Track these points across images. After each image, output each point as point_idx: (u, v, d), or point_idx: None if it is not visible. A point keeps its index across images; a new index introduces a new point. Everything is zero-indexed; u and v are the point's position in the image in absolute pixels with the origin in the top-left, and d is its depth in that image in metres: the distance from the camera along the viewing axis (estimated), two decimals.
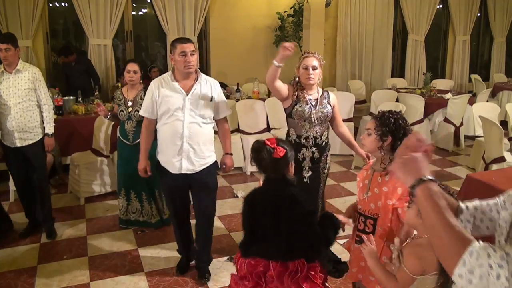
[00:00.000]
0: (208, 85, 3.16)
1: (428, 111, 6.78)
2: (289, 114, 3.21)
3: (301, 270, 2.14)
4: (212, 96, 3.15)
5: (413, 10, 8.70)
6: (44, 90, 3.80)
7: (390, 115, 2.17)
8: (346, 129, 3.40)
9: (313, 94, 3.19)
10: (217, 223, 4.19)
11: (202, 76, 3.19)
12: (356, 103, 7.01)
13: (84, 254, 3.71)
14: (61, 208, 4.62)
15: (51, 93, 5.61)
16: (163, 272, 3.44)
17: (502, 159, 4.73)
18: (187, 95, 3.07)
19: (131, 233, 4.08)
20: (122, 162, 4.07)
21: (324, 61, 3.25)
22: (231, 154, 3.34)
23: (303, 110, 3.13)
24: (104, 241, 3.94)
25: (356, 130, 6.73)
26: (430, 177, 1.15)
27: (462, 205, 1.47)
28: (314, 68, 3.10)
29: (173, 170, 3.15)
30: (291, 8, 7.55)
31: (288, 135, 3.26)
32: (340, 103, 6.48)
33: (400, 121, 2.16)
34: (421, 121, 6.68)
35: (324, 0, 6.89)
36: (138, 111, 3.83)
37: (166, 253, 3.73)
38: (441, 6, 9.25)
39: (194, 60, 3.06)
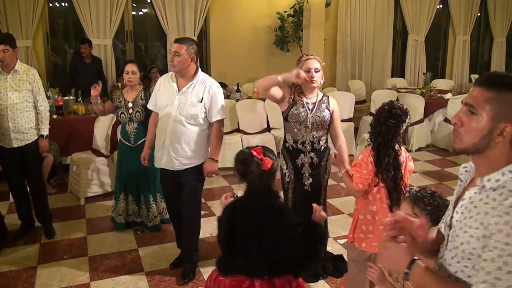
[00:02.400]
0: (202, 86, 3.14)
1: (428, 111, 6.79)
2: (285, 117, 3.10)
3: (289, 285, 2.04)
4: (202, 98, 3.12)
5: (413, 10, 8.70)
6: (41, 91, 3.79)
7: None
8: (344, 140, 3.18)
9: (312, 97, 3.10)
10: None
11: (200, 77, 3.17)
12: (356, 103, 7.01)
13: (84, 254, 3.71)
14: (61, 208, 4.62)
15: (51, 93, 5.61)
16: (163, 272, 3.44)
17: None
18: (178, 93, 3.13)
19: (131, 233, 4.08)
20: (123, 164, 4.02)
21: (323, 63, 3.16)
22: (215, 160, 3.21)
23: (299, 114, 3.02)
24: (104, 241, 3.94)
25: (356, 130, 6.73)
26: (413, 260, 1.29)
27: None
28: (316, 71, 3.01)
29: (156, 163, 3.31)
30: (291, 8, 7.56)
31: (285, 140, 3.16)
32: (340, 103, 6.53)
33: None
34: (421, 121, 6.68)
35: (324, 0, 6.89)
36: (139, 112, 3.87)
37: (166, 253, 3.72)
38: (441, 6, 9.26)
39: (176, 60, 3.04)
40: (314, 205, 2.10)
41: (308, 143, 3.06)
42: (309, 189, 3.10)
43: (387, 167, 2.43)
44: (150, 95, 3.86)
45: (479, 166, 1.27)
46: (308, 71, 3.01)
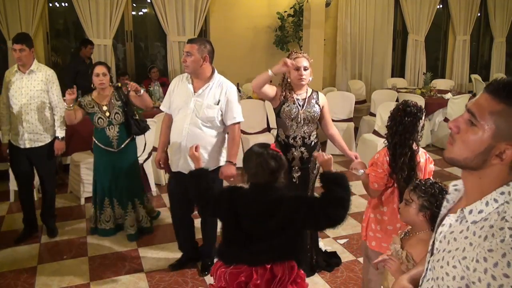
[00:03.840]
0: (219, 89, 3.13)
1: (428, 111, 6.78)
2: (277, 113, 3.19)
3: (289, 275, 2.09)
4: (219, 100, 3.10)
5: (413, 10, 8.71)
6: (56, 93, 3.75)
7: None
8: (336, 130, 3.37)
9: (302, 94, 3.17)
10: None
11: (217, 79, 3.16)
12: (356, 103, 7.01)
13: (84, 254, 3.71)
14: (61, 208, 4.61)
15: None
16: (163, 272, 3.44)
17: None
18: (194, 95, 3.09)
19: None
20: (104, 170, 3.85)
21: (312, 60, 3.22)
22: (233, 163, 3.16)
23: (290, 110, 3.11)
24: (104, 241, 3.93)
25: (356, 130, 6.73)
26: None
27: None
28: (305, 69, 3.10)
29: (173, 167, 3.23)
30: (291, 8, 7.56)
31: (277, 135, 3.25)
32: (340, 103, 6.64)
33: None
34: None
35: (324, 0, 6.89)
36: (119, 114, 3.74)
37: (166, 253, 3.72)
38: (441, 6, 9.26)
39: (189, 61, 3.03)
40: (314, 153, 2.20)
41: (299, 138, 3.15)
42: (297, 182, 3.18)
43: (402, 167, 2.40)
44: (124, 95, 3.79)
45: (469, 187, 1.10)
46: (297, 69, 3.09)
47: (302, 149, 3.16)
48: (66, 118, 3.71)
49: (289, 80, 3.15)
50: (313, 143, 3.21)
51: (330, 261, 3.48)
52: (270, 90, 3.12)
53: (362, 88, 8.15)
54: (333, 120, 6.53)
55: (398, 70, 9.23)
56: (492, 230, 0.98)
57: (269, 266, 2.08)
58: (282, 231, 2.06)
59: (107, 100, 3.75)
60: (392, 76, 8.78)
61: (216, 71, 3.21)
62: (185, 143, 3.09)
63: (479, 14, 9.63)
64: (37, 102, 3.67)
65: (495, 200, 1.02)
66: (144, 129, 3.91)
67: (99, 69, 3.70)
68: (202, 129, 3.09)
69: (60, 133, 3.78)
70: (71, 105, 3.63)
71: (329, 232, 4.06)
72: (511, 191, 1.02)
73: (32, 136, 3.70)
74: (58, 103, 3.76)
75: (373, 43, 8.52)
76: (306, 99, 3.17)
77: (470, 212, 1.05)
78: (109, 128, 3.75)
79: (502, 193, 1.02)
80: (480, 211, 1.03)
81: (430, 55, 9.40)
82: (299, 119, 3.12)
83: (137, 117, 3.91)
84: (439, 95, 7.13)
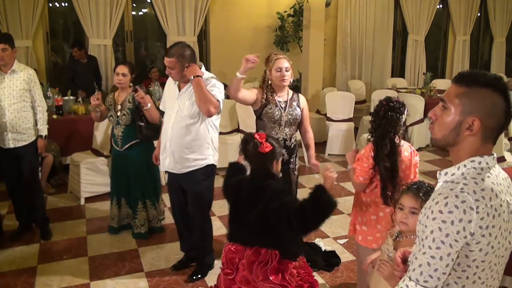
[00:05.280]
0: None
1: (428, 111, 6.77)
2: (258, 116, 3.17)
3: (271, 261, 2.18)
4: None
5: (413, 10, 8.71)
6: (38, 92, 3.79)
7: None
8: (312, 136, 3.36)
9: (283, 96, 3.17)
10: (218, 223, 4.18)
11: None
12: (356, 103, 7.01)
13: (84, 254, 3.71)
14: (61, 208, 4.62)
15: (51, 93, 5.60)
16: (163, 272, 3.44)
17: (502, 159, 4.73)
18: (178, 95, 3.12)
19: (131, 234, 4.06)
20: (114, 168, 3.95)
21: (291, 62, 3.20)
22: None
23: (273, 113, 3.11)
24: (104, 241, 3.93)
25: (356, 130, 6.73)
26: None
27: None
28: (287, 70, 3.10)
29: (161, 167, 3.29)
30: (291, 8, 7.56)
31: None
32: (340, 103, 6.63)
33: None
34: (421, 121, 6.68)
35: (324, 0, 6.89)
36: (125, 116, 3.74)
37: (166, 253, 3.72)
38: (441, 6, 9.26)
39: (172, 73, 3.04)
40: (323, 166, 2.32)
41: (281, 140, 3.15)
42: None
43: (383, 158, 2.47)
44: None
45: (453, 161, 1.33)
46: (279, 70, 3.09)
47: (283, 151, 3.11)
48: (93, 117, 3.93)
49: (270, 82, 3.12)
50: (293, 145, 3.23)
51: (330, 261, 3.50)
52: (249, 94, 3.10)
53: (362, 88, 8.15)
54: (333, 120, 6.62)
55: (398, 70, 9.23)
56: (451, 184, 1.24)
57: (255, 248, 2.21)
58: (263, 220, 2.16)
59: (122, 100, 3.80)
60: (392, 76, 8.78)
61: (203, 68, 3.14)
62: (170, 144, 3.11)
63: (479, 14, 9.63)
64: (19, 101, 3.68)
65: (465, 166, 1.26)
66: (146, 137, 3.76)
67: (119, 69, 3.79)
68: (185, 128, 3.07)
69: (43, 131, 3.81)
70: (97, 108, 3.78)
71: (329, 232, 4.06)
72: (482, 162, 1.25)
73: (15, 135, 3.71)
74: (41, 102, 3.80)
75: (373, 43, 8.52)
76: (288, 102, 3.17)
77: (446, 174, 1.30)
78: (116, 127, 3.81)
79: (472, 161, 1.26)
80: (453, 174, 1.28)
81: (430, 55, 9.40)
82: (281, 121, 3.13)
83: (142, 123, 3.73)
84: (439, 95, 7.13)
